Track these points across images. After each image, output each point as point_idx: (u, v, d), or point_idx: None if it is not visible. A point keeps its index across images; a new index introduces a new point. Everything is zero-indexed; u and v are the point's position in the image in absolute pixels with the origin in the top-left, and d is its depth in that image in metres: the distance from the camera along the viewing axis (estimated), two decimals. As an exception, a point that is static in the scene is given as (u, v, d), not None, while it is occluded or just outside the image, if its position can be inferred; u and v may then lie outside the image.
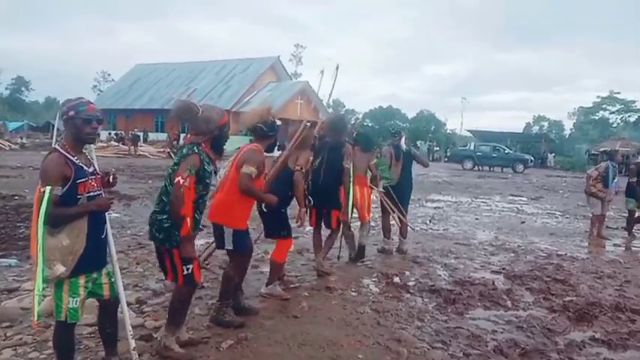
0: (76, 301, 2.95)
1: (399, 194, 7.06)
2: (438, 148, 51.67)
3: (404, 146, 7.18)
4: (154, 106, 43.14)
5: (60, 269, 2.84)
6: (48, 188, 2.74)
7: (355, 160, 6.14)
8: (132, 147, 30.16)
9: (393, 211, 7.05)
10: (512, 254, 7.64)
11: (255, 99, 40.63)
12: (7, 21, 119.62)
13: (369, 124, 74.24)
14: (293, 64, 69.39)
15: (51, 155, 2.89)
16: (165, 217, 3.47)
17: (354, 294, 5.29)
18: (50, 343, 3.71)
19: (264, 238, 5.42)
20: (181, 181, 3.34)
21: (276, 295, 4.99)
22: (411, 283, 5.75)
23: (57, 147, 2.92)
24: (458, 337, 4.26)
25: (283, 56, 50.56)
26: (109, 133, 38.45)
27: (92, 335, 3.85)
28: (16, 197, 10.79)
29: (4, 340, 3.81)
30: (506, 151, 35.22)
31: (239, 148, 4.50)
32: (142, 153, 29.43)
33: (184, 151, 3.53)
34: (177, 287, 3.65)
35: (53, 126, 34.12)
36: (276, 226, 4.99)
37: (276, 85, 43.22)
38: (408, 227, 7.50)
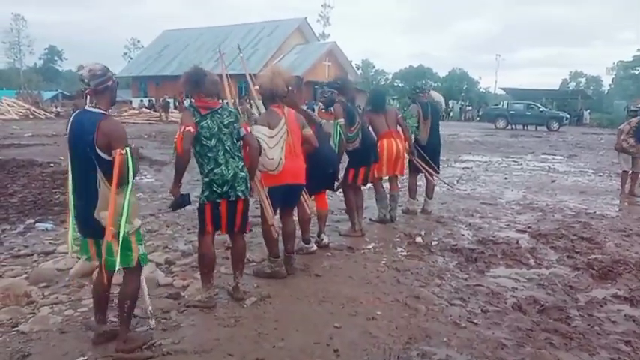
0: (143, 246, 3.28)
1: (429, 153, 7.05)
2: (470, 107, 50.55)
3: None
4: (183, 72, 43.37)
5: (138, 222, 3.20)
6: (127, 149, 2.99)
7: (376, 119, 6.36)
8: (163, 113, 30.60)
9: (427, 172, 7.05)
10: (540, 213, 7.57)
11: (283, 62, 40.39)
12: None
13: (400, 85, 73.20)
14: (321, 24, 68.34)
15: (114, 120, 3.17)
16: (245, 169, 3.93)
17: (375, 253, 5.38)
18: (84, 301, 3.96)
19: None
20: (250, 130, 3.98)
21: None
22: (433, 243, 5.80)
23: (107, 112, 3.11)
24: (477, 295, 4.32)
25: (310, 17, 49.93)
26: (141, 100, 38.98)
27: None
28: (52, 164, 11.18)
29: (41, 298, 4.04)
30: (540, 109, 34.21)
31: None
32: (172, 119, 29.79)
33: (231, 109, 3.96)
34: (242, 236, 4.12)
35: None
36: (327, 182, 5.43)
37: (303, 47, 42.79)
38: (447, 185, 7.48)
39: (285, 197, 4.55)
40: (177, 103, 35.57)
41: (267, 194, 4.38)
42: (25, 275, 4.47)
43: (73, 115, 3.13)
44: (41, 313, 3.78)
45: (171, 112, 31.85)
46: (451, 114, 48.05)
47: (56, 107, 36.11)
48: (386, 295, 4.25)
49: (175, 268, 4.80)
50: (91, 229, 3.11)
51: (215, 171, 3.79)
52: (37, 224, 6.25)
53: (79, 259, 4.72)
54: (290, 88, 4.59)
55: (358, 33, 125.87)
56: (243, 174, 3.90)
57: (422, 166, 7.00)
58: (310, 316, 3.80)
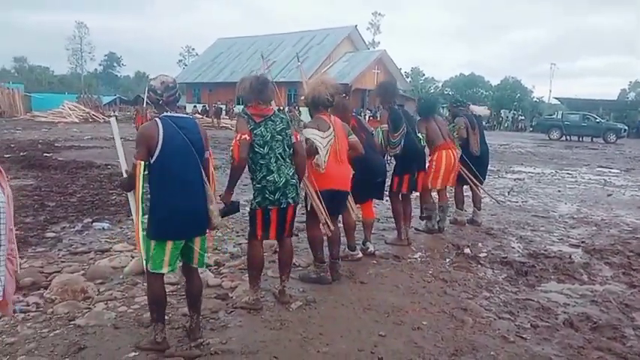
0: None
1: (482, 163, 6.97)
2: (523, 117, 49.19)
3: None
4: (236, 79, 44.05)
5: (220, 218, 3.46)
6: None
7: (431, 128, 6.34)
8: (215, 119, 31.34)
9: (473, 182, 6.95)
10: (594, 228, 7.29)
11: (332, 70, 40.60)
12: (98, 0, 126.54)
13: (450, 93, 72.07)
14: (371, 32, 68.42)
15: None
16: (295, 175, 4.01)
17: (422, 263, 5.33)
18: (137, 299, 4.11)
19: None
20: (300, 137, 4.08)
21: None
22: (482, 255, 5.69)
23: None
24: (527, 309, 4.21)
25: (361, 25, 50.03)
26: (194, 106, 40.06)
27: (174, 293, 4.18)
28: (109, 167, 11.66)
29: (97, 294, 4.22)
30: (597, 120, 32.88)
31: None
32: (224, 125, 30.48)
33: (283, 116, 4.02)
34: (289, 241, 4.21)
35: (143, 99, 36.10)
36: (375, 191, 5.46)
37: (352, 55, 42.88)
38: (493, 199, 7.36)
39: (329, 203, 4.57)
40: (228, 110, 36.35)
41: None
42: (82, 272, 4.68)
43: (163, 120, 3.21)
44: (96, 308, 3.95)
45: (223, 119, 32.58)
46: (506, 124, 46.96)
47: (114, 111, 37.62)
48: (432, 305, 4.20)
49: (224, 270, 4.91)
50: (199, 225, 3.30)
51: (267, 178, 3.86)
52: (94, 223, 6.53)
53: (133, 258, 4.94)
54: (336, 96, 4.62)
55: (408, 41, 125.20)
56: (294, 181, 3.97)
57: (468, 177, 6.90)
58: (355, 323, 3.80)
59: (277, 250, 4.43)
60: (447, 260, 5.49)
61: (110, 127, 3.90)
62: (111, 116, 4.50)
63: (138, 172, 3.12)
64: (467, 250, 5.76)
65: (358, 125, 5.20)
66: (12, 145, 15.53)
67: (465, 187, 7.14)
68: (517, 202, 9.30)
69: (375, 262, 5.26)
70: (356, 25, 45.57)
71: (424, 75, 78.02)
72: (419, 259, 5.46)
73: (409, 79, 60.82)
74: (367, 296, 4.33)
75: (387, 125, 5.61)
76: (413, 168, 5.92)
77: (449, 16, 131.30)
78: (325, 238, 4.64)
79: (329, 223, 4.39)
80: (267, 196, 3.86)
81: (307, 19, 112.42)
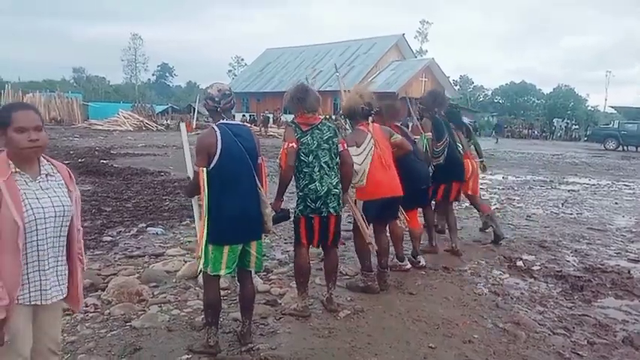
0: None
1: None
2: (577, 127, 47.57)
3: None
4: (283, 89, 44.55)
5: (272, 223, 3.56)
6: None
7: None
8: (262, 128, 31.83)
9: None
10: (656, 242, 6.95)
11: (378, 78, 40.51)
12: (152, 12, 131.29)
13: (500, 101, 70.57)
14: (418, 41, 67.89)
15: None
16: (339, 185, 4.01)
17: (472, 275, 5.22)
18: (189, 302, 4.22)
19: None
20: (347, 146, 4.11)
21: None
22: (535, 268, 5.52)
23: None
24: (583, 325, 4.05)
25: (408, 34, 49.76)
26: (243, 115, 40.80)
27: (225, 298, 4.26)
28: (162, 173, 12.03)
29: (151, 297, 4.35)
30: (658, 130, 31.38)
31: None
32: (271, 133, 30.90)
33: (330, 125, 4.07)
34: (334, 250, 4.21)
35: (194, 109, 37.12)
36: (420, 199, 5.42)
37: (399, 63, 42.67)
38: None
39: (382, 211, 4.56)
40: (275, 119, 36.85)
41: (363, 209, 4.44)
42: (137, 275, 4.84)
43: (220, 127, 3.29)
44: (151, 311, 4.08)
45: (270, 127, 33.05)
46: (559, 133, 45.55)
47: (166, 120, 38.81)
48: (483, 318, 4.11)
49: (272, 276, 4.96)
50: (254, 230, 3.40)
51: (309, 186, 3.90)
52: (149, 228, 6.74)
53: (186, 262, 5.07)
54: (373, 106, 4.64)
55: (457, 49, 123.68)
56: (336, 190, 3.97)
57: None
58: (404, 334, 3.77)
59: (323, 258, 4.46)
60: (499, 272, 5.36)
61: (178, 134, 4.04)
62: (180, 122, 4.66)
63: (201, 178, 3.20)
64: (519, 263, 5.61)
65: (400, 133, 5.17)
66: (71, 152, 16.24)
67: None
68: (571, 214, 8.98)
69: (423, 272, 5.19)
70: (403, 34, 45.35)
71: (473, 83, 76.82)
72: (469, 270, 5.35)
73: (457, 87, 59.97)
74: (416, 307, 4.28)
75: (431, 134, 5.64)
76: (450, 178, 5.91)
77: (499, 22, 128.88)
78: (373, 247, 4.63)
79: (372, 242, 4.42)
80: (308, 204, 3.91)
81: (354, 29, 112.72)
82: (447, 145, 5.75)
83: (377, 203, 4.46)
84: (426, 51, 65.71)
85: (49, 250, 2.22)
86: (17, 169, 2.18)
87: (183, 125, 3.99)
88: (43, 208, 2.18)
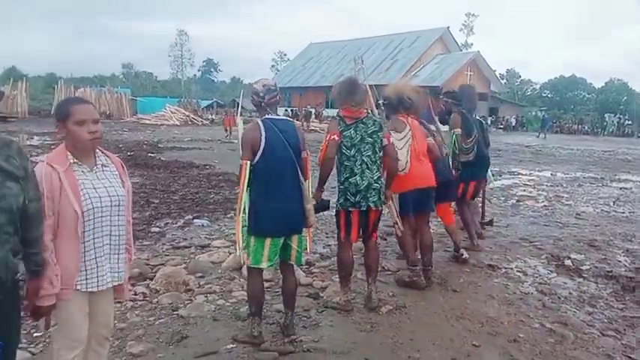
0: None
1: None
2: (630, 122, 45.69)
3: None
4: (325, 84, 44.94)
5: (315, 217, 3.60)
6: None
7: None
8: (304, 122, 31.97)
9: None
10: None
11: (422, 72, 40.00)
12: (197, 9, 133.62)
13: (549, 96, 68.51)
14: (464, 34, 66.58)
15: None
16: (380, 180, 3.97)
17: (518, 273, 5.11)
18: (234, 293, 4.30)
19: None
20: (391, 140, 4.07)
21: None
22: (584, 267, 5.35)
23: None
24: (635, 328, 3.91)
25: (453, 27, 48.87)
26: (285, 110, 41.07)
27: (268, 289, 4.32)
28: (207, 167, 12.29)
29: (197, 287, 4.46)
30: None
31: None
32: (313, 128, 31.02)
33: (375, 119, 4.05)
34: (375, 245, 4.20)
35: (238, 103, 37.52)
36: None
37: (444, 56, 41.97)
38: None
39: (417, 202, 4.51)
40: (317, 113, 36.92)
41: (400, 203, 4.44)
42: (184, 265, 4.96)
43: (265, 122, 3.35)
44: (197, 300, 4.18)
45: (312, 122, 33.15)
46: (611, 129, 43.87)
47: (211, 115, 39.53)
48: (529, 318, 4.02)
49: (315, 270, 5.00)
50: (296, 224, 3.43)
51: (350, 180, 3.91)
52: (195, 220, 6.91)
53: (230, 254, 5.17)
54: (412, 100, 4.63)
55: (504, 41, 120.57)
56: (377, 185, 3.95)
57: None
58: (447, 332, 3.73)
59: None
60: (546, 271, 5.22)
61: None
62: (239, 117, 4.77)
63: (244, 171, 3.27)
64: (568, 262, 5.45)
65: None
66: (120, 146, 16.78)
67: None
68: (623, 212, 8.64)
69: (467, 270, 5.11)
70: (448, 27, 44.58)
71: (520, 77, 74.79)
72: (515, 269, 5.24)
73: (504, 80, 58.50)
74: (460, 304, 4.22)
75: (460, 130, 5.56)
76: (479, 175, 5.92)
77: (547, 15, 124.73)
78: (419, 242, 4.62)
79: (399, 223, 4.37)
80: (348, 197, 3.92)
81: (398, 22, 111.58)
82: (476, 142, 5.68)
83: (411, 195, 4.43)
84: (472, 44, 64.49)
85: (104, 237, 2.32)
86: (75, 160, 2.27)
87: (240, 120, 4.07)
88: (99, 197, 2.27)
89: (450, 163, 5.42)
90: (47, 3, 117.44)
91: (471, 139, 5.61)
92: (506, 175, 13.08)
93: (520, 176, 13.13)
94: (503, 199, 9.43)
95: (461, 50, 46.99)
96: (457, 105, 5.80)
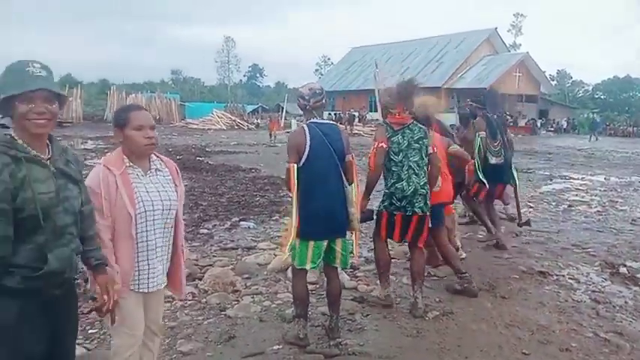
0: None
1: None
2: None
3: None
4: (368, 87, 44.81)
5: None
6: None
7: None
8: (348, 126, 31.98)
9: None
10: None
11: (469, 74, 39.32)
12: (244, 15, 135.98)
13: (602, 97, 66.03)
14: (512, 34, 65.05)
15: (344, 129, 3.62)
16: (426, 186, 4.00)
17: (570, 281, 4.95)
18: (280, 295, 4.35)
19: None
20: (435, 149, 4.09)
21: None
22: (641, 276, 5.13)
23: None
24: (699, 340, 3.71)
25: (501, 27, 47.82)
26: (329, 114, 41.20)
27: (313, 292, 4.35)
28: (253, 170, 12.48)
29: (244, 288, 4.54)
30: None
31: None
32: (356, 132, 31.01)
33: (421, 126, 4.04)
34: (420, 251, 4.17)
35: (282, 108, 38.01)
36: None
37: (491, 58, 41.09)
38: None
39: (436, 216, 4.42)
40: (360, 117, 36.87)
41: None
42: (231, 266, 5.06)
43: (310, 126, 3.39)
44: (244, 301, 4.25)
45: (355, 125, 33.12)
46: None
47: (256, 119, 40.12)
48: (582, 326, 3.89)
49: (359, 274, 5.00)
50: (339, 227, 3.46)
51: (397, 185, 3.91)
52: (241, 222, 7.03)
53: (276, 256, 5.23)
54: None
55: (554, 42, 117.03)
56: (423, 191, 3.95)
57: None
58: (495, 339, 3.65)
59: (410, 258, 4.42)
60: (600, 279, 5.04)
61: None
62: (294, 120, 4.89)
63: (292, 174, 3.32)
64: (623, 270, 5.23)
65: (440, 130, 5.03)
66: (170, 150, 17.24)
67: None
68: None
69: (517, 276, 4.99)
70: (496, 28, 43.66)
71: (572, 78, 72.41)
72: (567, 276, 5.08)
73: (554, 82, 56.78)
74: (509, 312, 4.13)
75: (484, 133, 5.70)
76: (504, 179, 5.94)
77: (600, 13, 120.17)
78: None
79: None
80: (394, 201, 3.95)
81: (443, 25, 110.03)
82: (502, 145, 5.81)
83: (435, 208, 4.31)
84: (520, 45, 62.90)
85: (157, 240, 2.39)
86: (130, 164, 2.37)
87: (294, 121, 4.15)
88: (152, 201, 2.35)
89: (478, 165, 5.61)
90: (99, 14, 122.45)
91: (497, 143, 5.77)
92: (557, 180, 12.69)
93: (572, 180, 12.71)
94: (554, 204, 9.16)
95: (509, 51, 45.91)
96: (481, 109, 5.94)
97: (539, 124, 39.96)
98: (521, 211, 6.54)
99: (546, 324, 3.90)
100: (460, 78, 39.24)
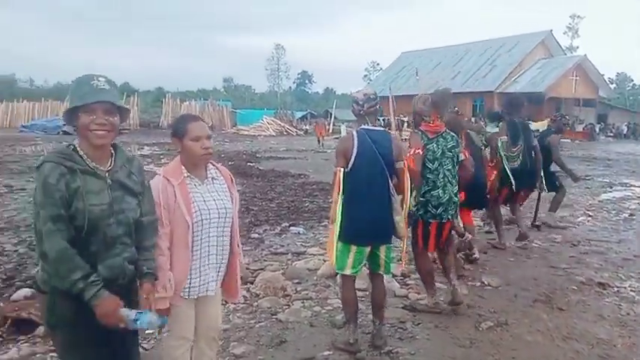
0: None
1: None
2: None
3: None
4: (418, 92, 44.27)
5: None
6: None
7: None
8: (397, 132, 31.77)
9: None
10: None
11: (523, 78, 38.25)
12: (293, 23, 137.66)
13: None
14: (568, 37, 62.86)
15: (397, 136, 3.67)
16: (458, 194, 4.06)
17: (632, 293, 4.73)
18: (329, 300, 4.37)
19: None
20: (467, 155, 4.22)
21: None
22: None
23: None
24: None
25: (556, 29, 46.30)
26: (377, 119, 41.03)
27: (362, 298, 4.34)
28: (302, 176, 12.59)
29: (294, 293, 4.59)
30: None
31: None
32: (405, 137, 30.72)
33: (453, 134, 4.08)
34: (450, 248, 4.30)
35: (331, 114, 38.14)
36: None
37: (546, 61, 39.79)
38: None
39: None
40: (409, 123, 36.47)
41: None
42: (282, 271, 5.12)
43: (359, 132, 3.41)
44: (294, 306, 4.30)
45: (404, 131, 32.83)
46: None
47: (305, 125, 40.44)
48: (646, 341, 3.71)
49: (410, 281, 4.94)
50: (383, 234, 3.47)
51: (432, 193, 3.93)
52: (291, 227, 7.11)
53: (325, 261, 5.25)
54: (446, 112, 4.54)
55: (614, 44, 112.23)
56: (456, 198, 4.02)
57: None
58: (552, 352, 3.54)
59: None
60: (666, 292, 4.79)
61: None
62: (343, 125, 5.01)
63: (338, 179, 3.35)
64: (692, 283, 4.96)
65: (466, 141, 5.05)
66: (222, 156, 17.62)
67: None
68: None
69: (575, 287, 4.82)
70: (551, 30, 42.28)
71: (632, 81, 69.20)
72: (628, 288, 4.86)
73: (614, 85, 54.45)
74: (566, 324, 3.99)
75: (505, 137, 5.85)
76: (522, 184, 5.99)
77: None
78: None
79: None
80: (429, 209, 3.95)
81: (496, 27, 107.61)
82: (521, 151, 5.90)
83: None
84: (577, 47, 60.68)
85: (211, 247, 2.47)
86: (188, 174, 2.45)
87: (343, 127, 4.22)
88: (208, 209, 2.43)
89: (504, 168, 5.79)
90: (154, 26, 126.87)
91: (516, 148, 5.88)
92: (617, 187, 12.14)
93: (633, 188, 12.11)
94: (614, 212, 8.77)
95: (565, 54, 44.35)
96: (508, 114, 6.09)
97: (597, 129, 38.33)
98: (578, 220, 6.45)
99: (607, 338, 3.75)
100: (514, 82, 38.21)
